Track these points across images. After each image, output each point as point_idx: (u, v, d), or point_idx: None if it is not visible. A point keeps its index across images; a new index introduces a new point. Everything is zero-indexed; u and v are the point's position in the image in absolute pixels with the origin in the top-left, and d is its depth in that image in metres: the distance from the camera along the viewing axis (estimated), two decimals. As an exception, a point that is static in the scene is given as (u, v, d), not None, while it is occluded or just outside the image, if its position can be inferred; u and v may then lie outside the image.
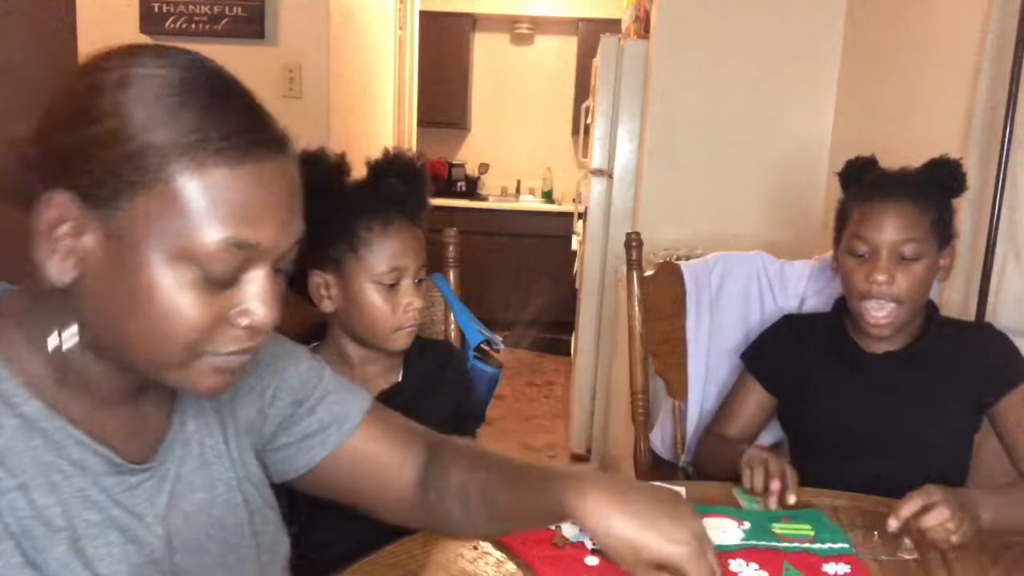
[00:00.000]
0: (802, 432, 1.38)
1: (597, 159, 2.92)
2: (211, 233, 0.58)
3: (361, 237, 1.10)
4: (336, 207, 1.08)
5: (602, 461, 2.96)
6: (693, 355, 1.60)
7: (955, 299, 1.63)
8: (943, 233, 1.24)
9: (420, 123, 4.60)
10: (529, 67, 5.60)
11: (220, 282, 0.60)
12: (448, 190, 5.30)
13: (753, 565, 0.94)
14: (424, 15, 4.58)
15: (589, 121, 3.19)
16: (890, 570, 0.96)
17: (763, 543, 0.99)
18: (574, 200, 4.10)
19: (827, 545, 1.00)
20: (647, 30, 2.79)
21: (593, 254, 2.99)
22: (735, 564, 0.94)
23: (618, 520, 0.66)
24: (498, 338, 1.39)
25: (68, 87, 0.59)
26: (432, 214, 1.18)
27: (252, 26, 2.72)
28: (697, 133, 2.58)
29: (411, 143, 4.34)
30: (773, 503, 1.08)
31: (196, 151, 0.57)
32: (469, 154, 5.65)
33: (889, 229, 1.20)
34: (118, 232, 0.58)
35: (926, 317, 1.29)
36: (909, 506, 0.98)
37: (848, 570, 0.94)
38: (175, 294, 0.59)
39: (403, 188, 1.12)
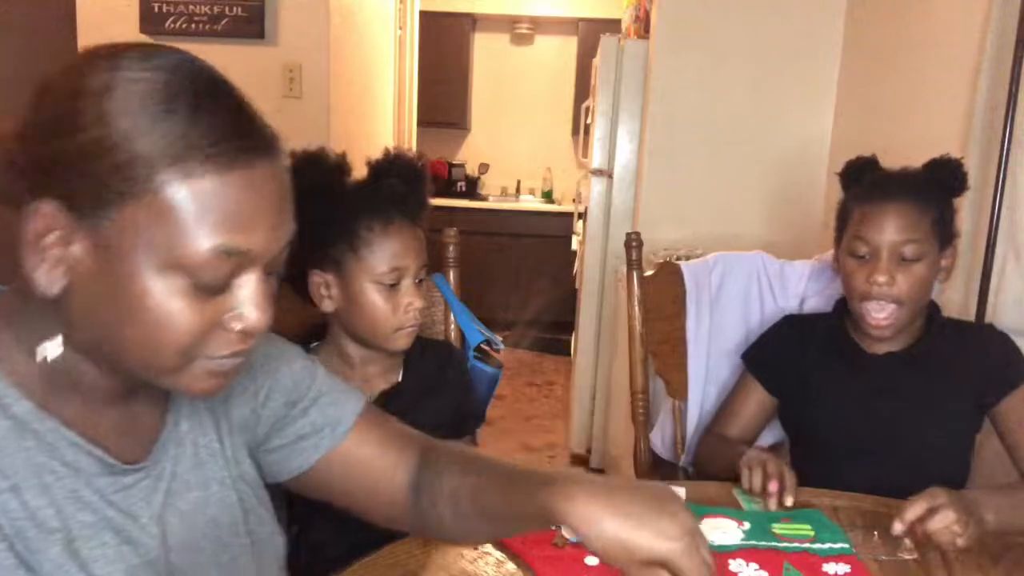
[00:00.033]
0: (803, 432, 1.38)
1: (597, 159, 2.92)
2: (201, 242, 0.58)
3: (362, 237, 1.10)
4: (337, 207, 1.09)
5: (602, 461, 2.96)
6: (693, 355, 1.60)
7: (955, 299, 1.63)
8: (944, 233, 1.23)
9: (420, 123, 4.59)
10: (529, 67, 5.60)
11: (211, 288, 0.60)
12: (448, 190, 5.30)
13: (753, 565, 0.94)
14: (424, 15, 4.57)
15: (589, 121, 3.19)
16: (890, 570, 0.96)
17: (763, 543, 0.99)
18: (574, 200, 4.10)
19: (827, 545, 0.99)
20: (647, 30, 2.79)
21: (593, 254, 2.99)
22: (735, 564, 0.94)
23: (608, 522, 0.65)
24: (498, 338, 1.39)
25: (52, 89, 0.58)
26: (432, 214, 1.18)
27: (252, 26, 2.72)
28: (697, 133, 2.58)
29: (411, 143, 4.34)
30: (771, 504, 1.08)
31: (184, 160, 0.56)
32: (469, 154, 5.65)
33: (890, 230, 1.20)
34: (106, 242, 0.57)
35: (927, 318, 1.29)
36: (914, 509, 0.97)
37: (848, 570, 0.94)
38: (167, 302, 0.58)
39: (403, 188, 1.13)
